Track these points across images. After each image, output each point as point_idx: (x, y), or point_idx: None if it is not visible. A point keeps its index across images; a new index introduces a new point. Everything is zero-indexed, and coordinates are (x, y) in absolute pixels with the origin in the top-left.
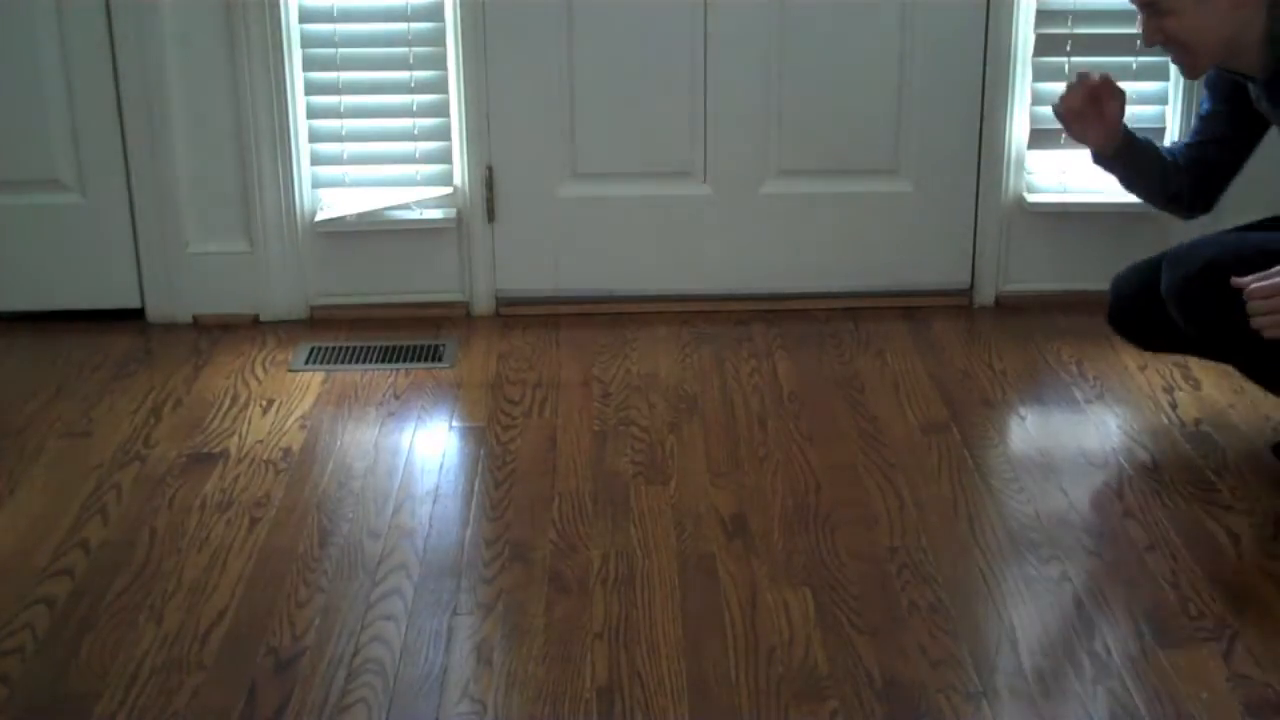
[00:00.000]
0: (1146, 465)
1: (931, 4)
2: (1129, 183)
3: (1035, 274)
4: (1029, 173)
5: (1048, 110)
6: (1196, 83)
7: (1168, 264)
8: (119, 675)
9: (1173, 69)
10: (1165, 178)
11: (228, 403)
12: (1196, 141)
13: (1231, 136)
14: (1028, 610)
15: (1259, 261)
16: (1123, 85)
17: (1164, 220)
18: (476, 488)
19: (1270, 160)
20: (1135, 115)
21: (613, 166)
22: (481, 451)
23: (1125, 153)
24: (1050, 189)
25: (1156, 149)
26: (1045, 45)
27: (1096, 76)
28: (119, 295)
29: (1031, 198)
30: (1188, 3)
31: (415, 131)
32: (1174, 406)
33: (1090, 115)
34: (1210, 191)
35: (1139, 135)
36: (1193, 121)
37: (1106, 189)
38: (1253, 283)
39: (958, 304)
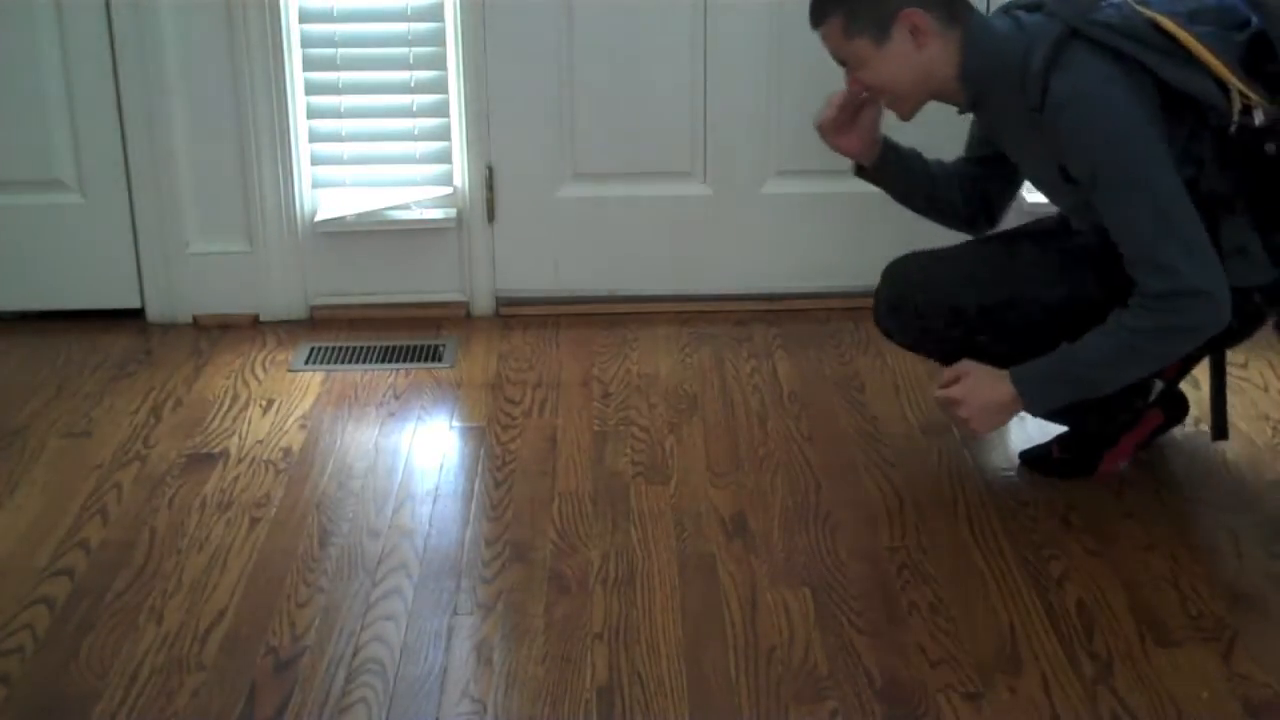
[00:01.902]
0: (1146, 465)
1: None
2: (899, 196)
3: None
4: None
5: None
6: None
7: (888, 277)
8: (119, 675)
9: None
10: (934, 191)
11: (228, 403)
12: (967, 156)
13: (995, 154)
14: (1027, 610)
15: (973, 318)
16: None
17: None
18: (476, 488)
19: None
20: None
21: (613, 166)
22: (481, 451)
23: (888, 165)
24: None
25: (924, 162)
26: None
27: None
28: (119, 295)
29: (1030, 198)
30: (870, 53)
31: (415, 132)
32: None
33: (847, 126)
34: (990, 208)
35: (905, 148)
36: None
37: None
38: (938, 390)
39: None
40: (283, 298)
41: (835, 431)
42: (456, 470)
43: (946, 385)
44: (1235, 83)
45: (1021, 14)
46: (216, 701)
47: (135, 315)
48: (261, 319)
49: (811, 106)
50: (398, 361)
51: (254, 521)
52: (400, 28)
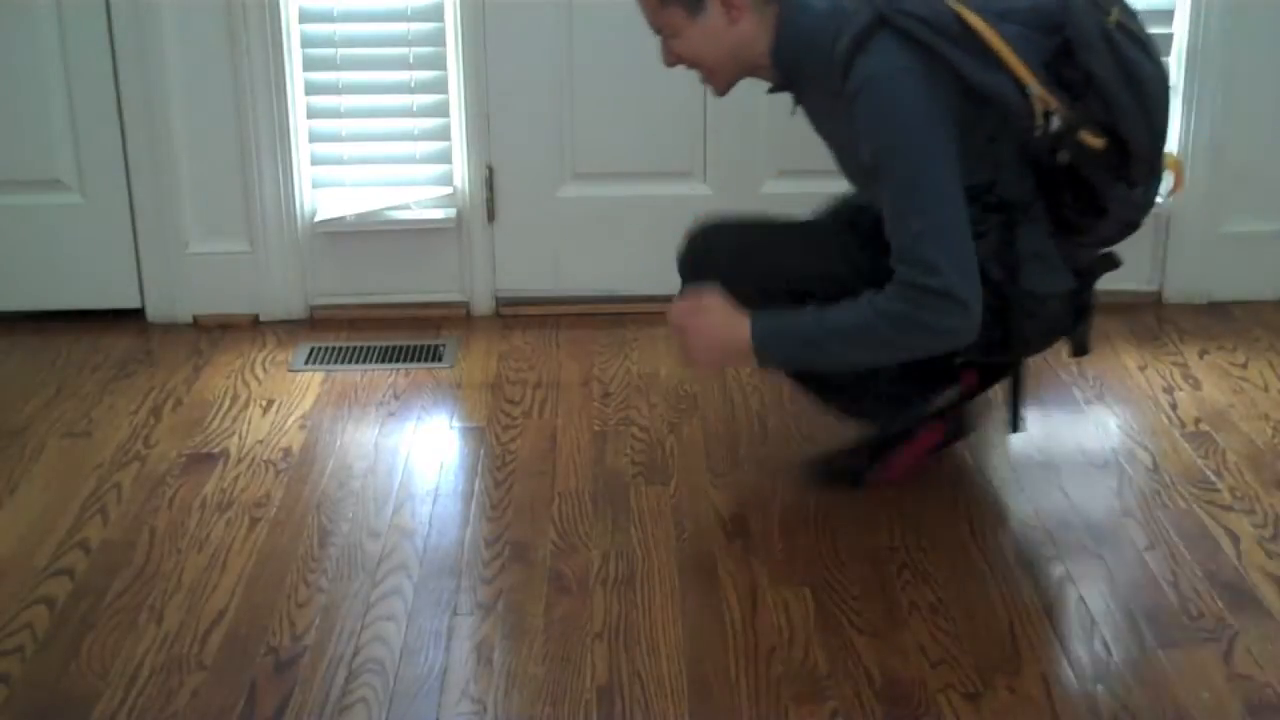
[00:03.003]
0: (1146, 465)
1: None
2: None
3: None
4: None
5: None
6: (1199, 85)
7: (690, 239)
8: (119, 675)
9: (1174, 70)
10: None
11: (228, 403)
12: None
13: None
14: (1028, 610)
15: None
16: None
17: (1161, 217)
18: (476, 488)
19: (1271, 160)
20: None
21: (613, 166)
22: (481, 451)
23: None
24: None
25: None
26: None
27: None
28: (119, 295)
29: None
30: (683, 23)
31: (415, 132)
32: (1174, 406)
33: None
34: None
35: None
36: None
37: None
38: (672, 307)
39: None
40: (283, 298)
41: (835, 431)
42: (456, 470)
43: (684, 308)
44: (1035, 86)
45: None
46: (216, 701)
47: (135, 315)
48: (261, 319)
49: None
50: (398, 361)
51: (254, 521)
52: (400, 28)
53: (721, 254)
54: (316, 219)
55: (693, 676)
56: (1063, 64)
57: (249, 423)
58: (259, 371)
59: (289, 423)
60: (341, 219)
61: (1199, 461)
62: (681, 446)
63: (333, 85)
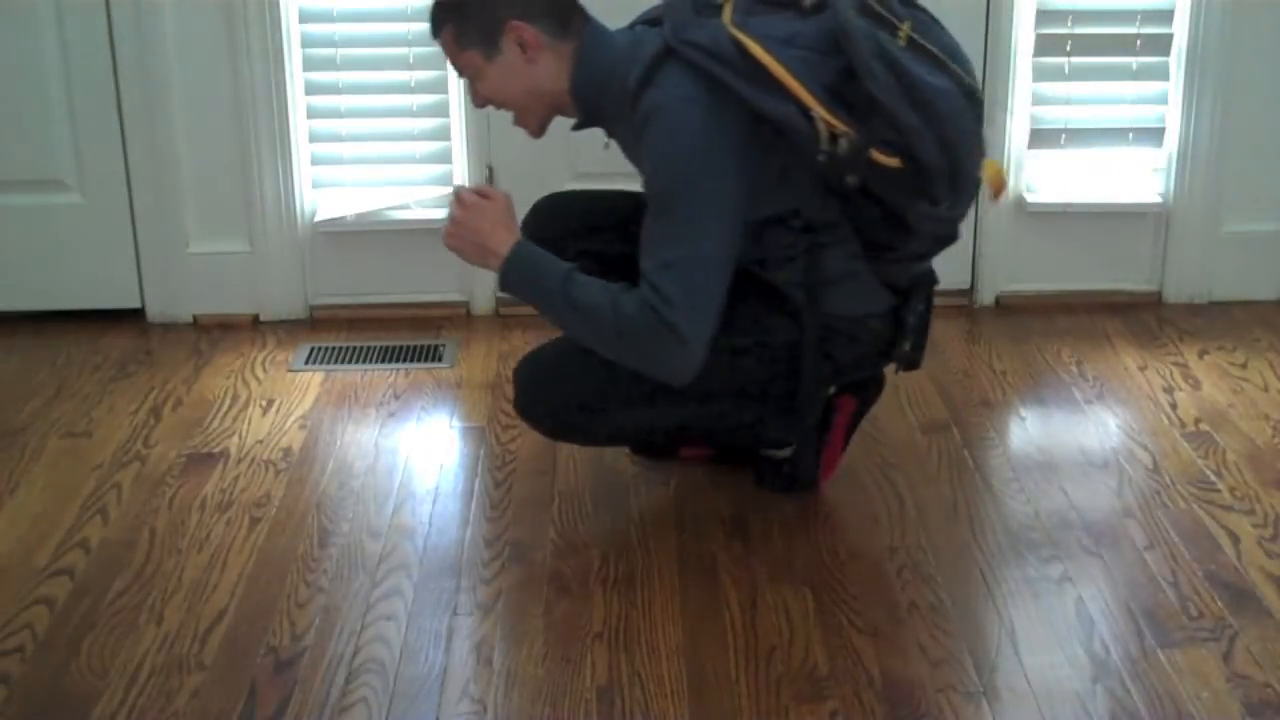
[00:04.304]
0: (1146, 465)
1: (931, 4)
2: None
3: (1035, 274)
4: (1029, 173)
5: (1047, 110)
6: (1199, 85)
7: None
8: (119, 675)
9: (1173, 70)
10: None
11: (228, 403)
12: None
13: None
14: (1028, 610)
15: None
16: (1123, 85)
17: (1161, 217)
18: (476, 488)
19: (1271, 160)
20: (1136, 116)
21: (613, 166)
22: (481, 451)
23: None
24: (1050, 189)
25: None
26: (1045, 45)
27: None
28: (119, 295)
29: (1031, 198)
30: (482, 65)
31: (415, 132)
32: (1174, 406)
33: None
34: None
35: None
36: None
37: (1106, 189)
38: (464, 188)
39: (958, 304)
40: (283, 298)
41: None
42: (456, 470)
43: (473, 195)
44: (820, 110)
45: (641, 28)
46: (216, 701)
47: (135, 315)
48: (261, 319)
49: None
50: (398, 361)
51: (254, 521)
52: (400, 28)
53: (550, 207)
54: (316, 219)
55: (693, 676)
56: (847, 86)
57: (249, 423)
58: (259, 371)
59: (289, 423)
60: (342, 219)
61: (1199, 461)
62: None
63: (333, 85)
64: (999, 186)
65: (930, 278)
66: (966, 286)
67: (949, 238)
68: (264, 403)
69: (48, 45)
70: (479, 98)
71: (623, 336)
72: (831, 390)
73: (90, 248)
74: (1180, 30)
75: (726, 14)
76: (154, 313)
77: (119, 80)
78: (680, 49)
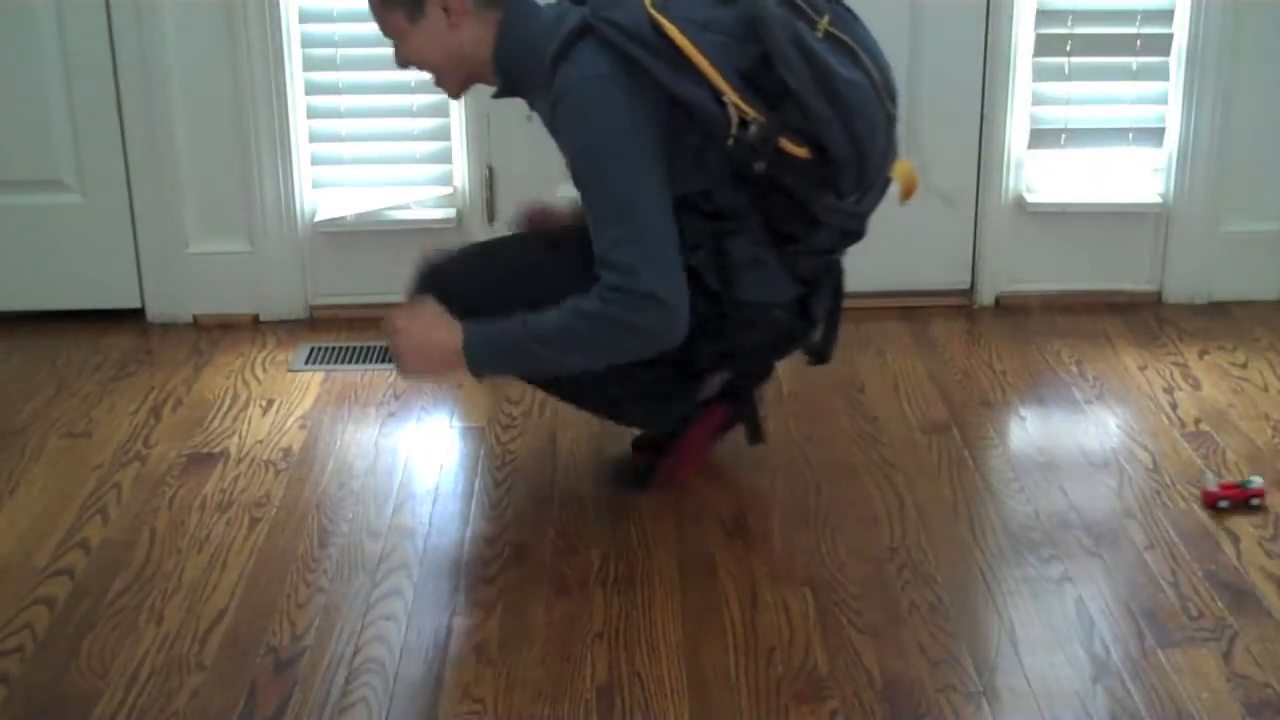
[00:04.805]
0: (1146, 465)
1: (931, 4)
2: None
3: (1035, 274)
4: (1029, 173)
5: (1048, 110)
6: (1199, 85)
7: (420, 267)
8: (119, 675)
9: (1174, 70)
10: None
11: (228, 403)
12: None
13: None
14: (1028, 610)
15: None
16: (1123, 85)
17: (1161, 217)
18: (476, 488)
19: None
20: (1136, 116)
21: None
22: (481, 451)
23: None
24: (1050, 189)
25: None
26: (1045, 45)
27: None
28: (119, 295)
29: (1031, 198)
30: (405, 27)
31: (415, 132)
32: (1174, 406)
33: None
34: None
35: None
36: None
37: (1106, 189)
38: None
39: (958, 304)
40: (283, 298)
41: (835, 431)
42: (456, 470)
43: (398, 314)
44: (732, 95)
45: (567, 4)
46: (216, 701)
47: (135, 315)
48: (261, 319)
49: None
50: None
51: (254, 521)
52: None
53: (449, 271)
54: (316, 219)
55: (693, 676)
56: (761, 73)
57: (249, 423)
58: (259, 371)
59: (289, 423)
60: (342, 219)
61: (1199, 461)
62: None
63: (333, 85)
64: (910, 187)
65: (838, 269)
66: (966, 286)
67: (856, 233)
68: (264, 403)
69: (48, 45)
70: (401, 59)
71: (605, 333)
72: (711, 393)
73: (90, 248)
74: (1180, 30)
75: None
76: (154, 312)
77: (119, 80)
78: (598, 26)
